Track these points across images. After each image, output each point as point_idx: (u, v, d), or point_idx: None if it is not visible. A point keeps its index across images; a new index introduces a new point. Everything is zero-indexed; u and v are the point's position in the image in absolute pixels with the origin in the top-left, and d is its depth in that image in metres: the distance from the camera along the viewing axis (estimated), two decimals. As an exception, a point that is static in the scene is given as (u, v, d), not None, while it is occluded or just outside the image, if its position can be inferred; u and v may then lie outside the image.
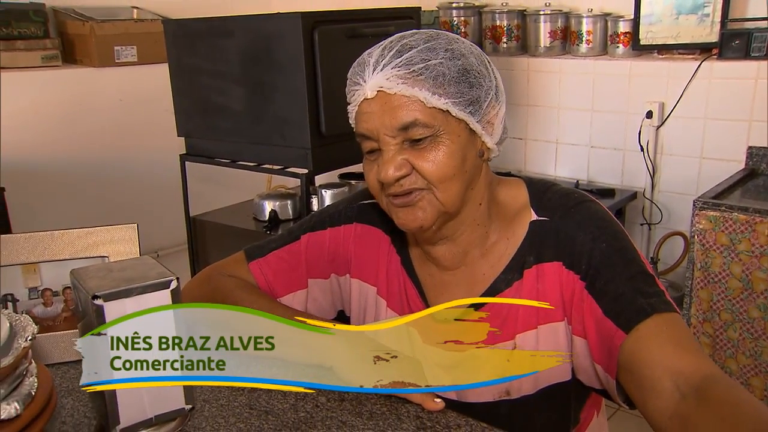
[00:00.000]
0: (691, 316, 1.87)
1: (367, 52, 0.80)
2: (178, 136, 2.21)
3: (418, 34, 0.79)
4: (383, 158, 0.78)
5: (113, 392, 0.69)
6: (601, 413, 0.94)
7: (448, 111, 0.76)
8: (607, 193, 2.33)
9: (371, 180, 0.81)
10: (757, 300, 1.74)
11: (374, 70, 0.77)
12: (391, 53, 0.77)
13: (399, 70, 0.76)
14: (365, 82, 0.78)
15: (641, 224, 2.40)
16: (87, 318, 0.70)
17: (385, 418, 0.77)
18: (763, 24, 2.03)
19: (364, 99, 0.78)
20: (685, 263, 2.07)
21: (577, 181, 2.46)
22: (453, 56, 0.77)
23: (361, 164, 0.86)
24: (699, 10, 2.14)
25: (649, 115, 2.27)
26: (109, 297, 0.68)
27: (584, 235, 0.80)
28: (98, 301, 0.67)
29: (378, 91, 0.77)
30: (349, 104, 0.82)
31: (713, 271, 1.80)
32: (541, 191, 0.86)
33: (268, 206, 2.17)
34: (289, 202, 2.18)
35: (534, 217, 0.84)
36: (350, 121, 0.84)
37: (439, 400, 0.78)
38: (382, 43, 0.80)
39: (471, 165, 0.80)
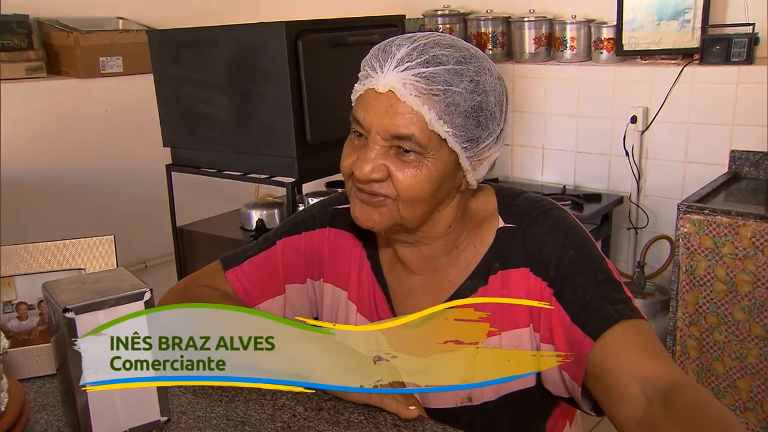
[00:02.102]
0: (678, 320, 1.87)
1: (398, 40, 0.78)
2: (164, 146, 2.20)
3: (453, 48, 0.76)
4: (365, 154, 0.77)
5: (86, 405, 0.69)
6: (575, 423, 0.94)
7: (445, 140, 0.76)
8: (594, 198, 2.34)
9: (346, 165, 0.80)
10: (741, 302, 1.75)
11: (395, 66, 0.75)
12: (419, 59, 0.74)
13: (418, 81, 0.74)
14: (382, 73, 0.75)
15: (628, 228, 2.41)
16: (60, 332, 0.70)
17: (363, 426, 0.77)
18: (742, 30, 2.06)
19: (373, 89, 0.76)
20: (671, 267, 2.08)
21: (564, 187, 2.47)
22: (475, 89, 0.75)
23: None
24: (680, 16, 2.16)
25: (634, 120, 2.28)
26: (81, 310, 0.68)
27: (552, 242, 0.80)
28: (69, 314, 0.67)
29: (389, 90, 0.75)
30: (358, 82, 0.79)
31: (698, 275, 1.81)
32: (510, 198, 0.86)
33: (255, 215, 2.18)
34: (276, 211, 2.18)
35: (501, 224, 0.84)
36: (353, 96, 0.81)
37: (414, 407, 0.78)
38: (415, 37, 0.77)
39: (444, 193, 0.80)
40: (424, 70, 0.74)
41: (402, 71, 0.74)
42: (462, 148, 0.77)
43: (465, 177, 0.80)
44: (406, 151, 0.76)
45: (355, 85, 0.80)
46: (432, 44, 0.76)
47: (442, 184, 0.78)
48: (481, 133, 0.77)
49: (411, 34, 0.79)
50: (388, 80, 0.75)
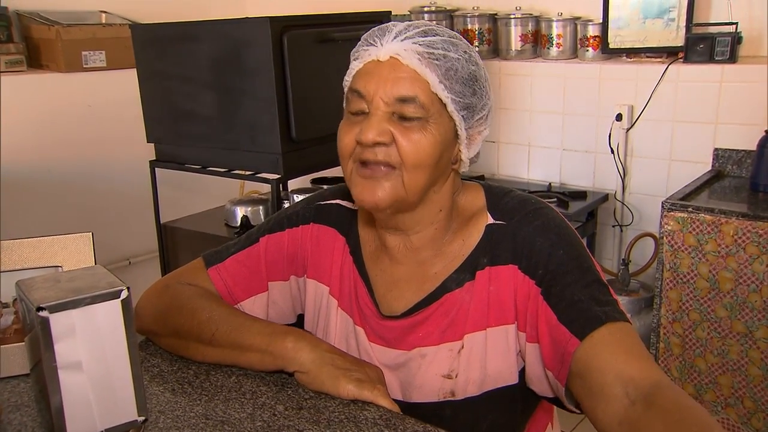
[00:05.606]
0: (661, 317, 1.88)
1: (392, 22, 0.83)
2: (148, 142, 2.18)
3: (443, 28, 0.82)
4: (369, 121, 0.78)
5: (60, 405, 0.67)
6: (556, 424, 0.95)
7: (445, 105, 0.79)
8: (579, 195, 2.34)
9: (347, 141, 0.81)
10: (723, 299, 1.76)
11: (395, 37, 0.78)
12: (417, 31, 0.79)
13: (419, 47, 0.78)
14: (382, 45, 0.79)
15: (613, 226, 2.42)
16: (34, 331, 0.68)
17: (344, 425, 0.76)
18: (726, 29, 2.07)
19: (374, 60, 0.79)
20: (655, 264, 2.09)
21: (550, 184, 2.48)
22: (469, 60, 0.80)
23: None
24: (665, 14, 2.17)
25: (619, 117, 2.29)
26: (55, 308, 0.66)
27: (542, 241, 0.80)
28: (43, 313, 0.66)
29: (391, 57, 0.78)
30: (354, 60, 0.82)
31: (682, 272, 1.82)
32: (499, 196, 0.87)
33: (240, 212, 2.16)
34: (260, 207, 2.17)
35: (490, 220, 0.85)
36: (345, 78, 0.84)
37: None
38: (406, 21, 0.83)
39: (443, 165, 0.81)
40: (423, 39, 0.78)
41: (402, 41, 0.78)
42: (460, 115, 0.80)
43: (460, 153, 0.83)
44: (408, 119, 0.78)
45: (352, 63, 0.83)
46: (425, 23, 0.82)
47: (442, 153, 0.80)
48: (477, 102, 0.81)
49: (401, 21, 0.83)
50: (390, 48, 0.78)
